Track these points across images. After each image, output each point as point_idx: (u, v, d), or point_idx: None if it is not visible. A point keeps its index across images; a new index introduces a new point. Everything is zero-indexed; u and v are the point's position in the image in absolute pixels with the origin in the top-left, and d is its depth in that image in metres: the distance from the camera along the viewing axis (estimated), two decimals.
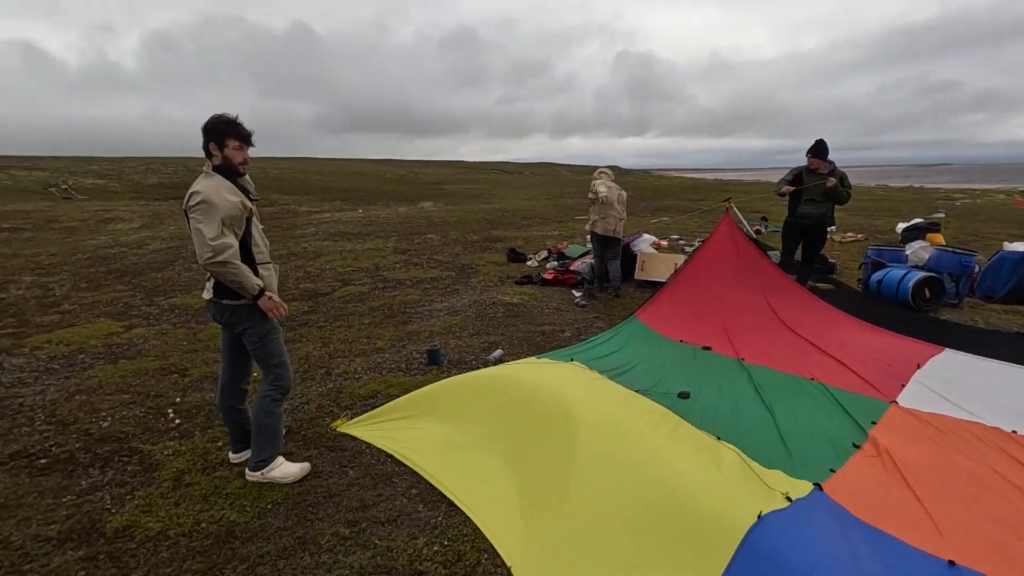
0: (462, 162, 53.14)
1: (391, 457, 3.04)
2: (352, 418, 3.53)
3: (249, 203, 2.70)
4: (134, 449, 3.23)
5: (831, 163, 5.60)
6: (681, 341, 4.80)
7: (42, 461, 3.10)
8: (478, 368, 4.23)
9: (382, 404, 3.65)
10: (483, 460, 2.85)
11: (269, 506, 2.67)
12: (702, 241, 6.01)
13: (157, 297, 6.77)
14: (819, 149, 5.61)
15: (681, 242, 10.71)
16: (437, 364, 4.45)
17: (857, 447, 3.04)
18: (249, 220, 2.72)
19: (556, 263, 8.44)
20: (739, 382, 3.97)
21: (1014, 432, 3.10)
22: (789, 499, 2.45)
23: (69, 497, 2.76)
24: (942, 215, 14.89)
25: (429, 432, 3.18)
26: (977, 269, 6.72)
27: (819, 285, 6.37)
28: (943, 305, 5.78)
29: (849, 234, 11.54)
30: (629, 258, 7.55)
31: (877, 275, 5.95)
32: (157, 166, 28.39)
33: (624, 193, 6.66)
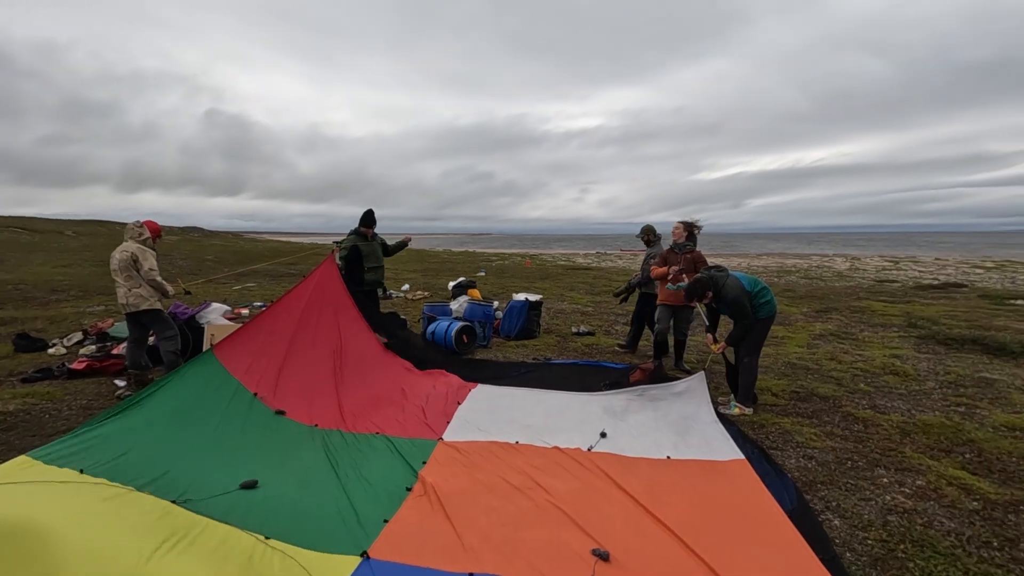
0: None
1: None
2: None
3: None
4: None
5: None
6: (256, 395, 4.34)
7: None
8: None
9: None
10: None
11: None
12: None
13: None
14: (371, 218, 6.56)
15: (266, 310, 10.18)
16: None
17: (410, 490, 3.34)
18: None
19: (94, 347, 6.68)
20: (313, 452, 3.85)
21: (516, 443, 4.02)
22: None
23: None
24: (483, 273, 19.07)
25: None
26: (499, 315, 8.74)
27: (388, 340, 7.04)
28: (478, 347, 7.25)
29: (419, 292, 13.40)
30: (197, 331, 6.64)
31: (431, 327, 7.01)
32: None
33: (131, 254, 5.16)
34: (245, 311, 9.33)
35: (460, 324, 6.81)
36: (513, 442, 4.02)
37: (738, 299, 4.71)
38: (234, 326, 7.10)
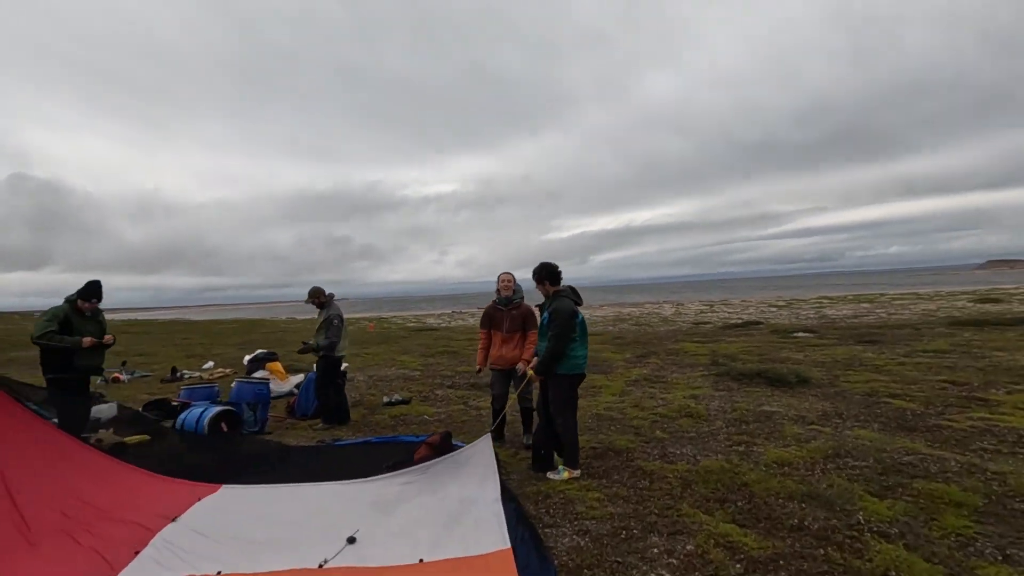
0: None
1: None
2: None
3: None
4: None
5: None
6: None
7: None
8: None
9: None
10: None
11: None
12: None
13: None
14: (97, 291, 5.24)
15: None
16: None
17: None
18: None
19: None
20: None
21: (218, 573, 2.99)
22: None
23: None
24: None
25: None
26: (296, 391, 7.55)
27: (131, 439, 5.50)
28: (249, 433, 5.99)
29: (219, 370, 11.53)
30: None
31: (182, 416, 5.64)
32: None
33: None
34: None
35: (216, 409, 5.55)
36: (214, 573, 2.99)
37: (565, 310, 4.41)
38: None
